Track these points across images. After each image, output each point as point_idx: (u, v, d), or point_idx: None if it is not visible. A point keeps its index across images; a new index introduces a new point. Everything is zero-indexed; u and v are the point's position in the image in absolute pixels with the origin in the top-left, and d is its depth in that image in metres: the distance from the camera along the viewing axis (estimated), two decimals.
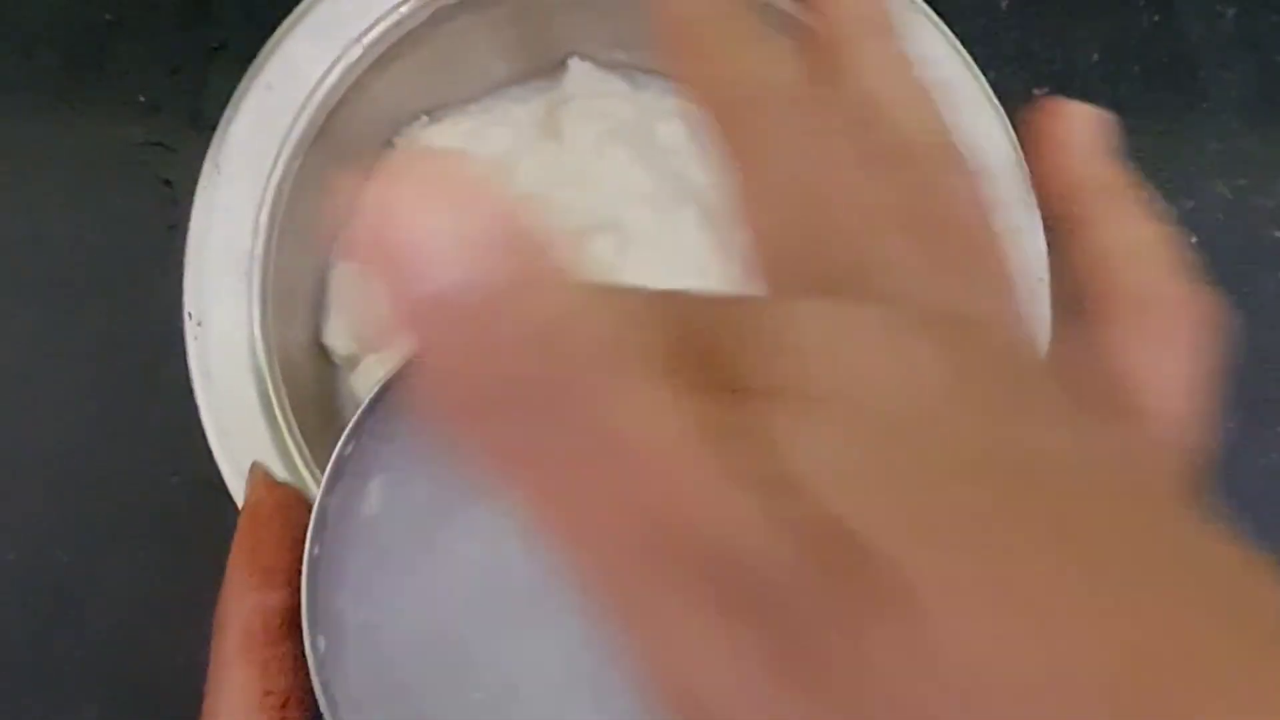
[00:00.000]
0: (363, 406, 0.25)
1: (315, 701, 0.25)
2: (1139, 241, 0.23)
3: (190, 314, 0.34)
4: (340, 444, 0.25)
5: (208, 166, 0.35)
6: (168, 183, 0.44)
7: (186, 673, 0.41)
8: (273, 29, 0.37)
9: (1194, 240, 0.46)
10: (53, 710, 0.42)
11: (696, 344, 0.16)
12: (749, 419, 0.15)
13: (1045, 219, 0.37)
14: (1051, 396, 0.18)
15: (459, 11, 0.39)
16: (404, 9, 0.37)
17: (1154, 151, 0.47)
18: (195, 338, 0.33)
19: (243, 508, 0.28)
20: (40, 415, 0.43)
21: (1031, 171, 0.25)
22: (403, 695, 0.26)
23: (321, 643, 0.25)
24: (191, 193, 0.35)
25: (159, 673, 0.41)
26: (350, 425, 0.25)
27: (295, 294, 0.39)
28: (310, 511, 0.26)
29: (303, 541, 0.26)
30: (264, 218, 0.35)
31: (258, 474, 0.30)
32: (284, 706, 0.26)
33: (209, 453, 0.33)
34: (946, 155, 0.22)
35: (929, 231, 0.20)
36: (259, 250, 0.34)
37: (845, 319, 0.17)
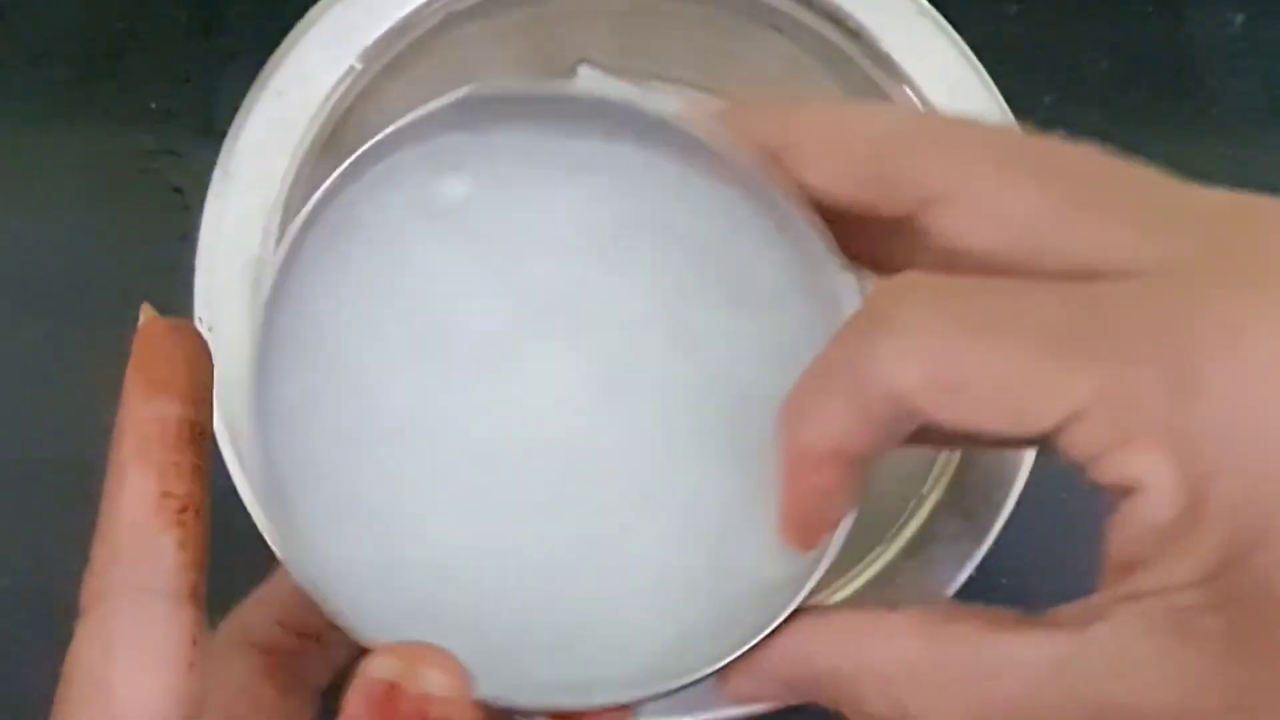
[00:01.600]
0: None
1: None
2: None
3: (201, 319, 0.34)
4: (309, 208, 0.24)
5: (218, 173, 0.35)
6: (179, 190, 0.44)
7: None
8: (284, 38, 0.37)
9: None
10: None
11: None
12: None
13: None
14: None
15: (468, 19, 0.39)
16: (414, 17, 0.37)
17: (1163, 159, 0.47)
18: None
19: (135, 335, 0.27)
20: (51, 425, 0.43)
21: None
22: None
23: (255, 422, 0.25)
24: (203, 201, 0.35)
25: None
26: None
27: None
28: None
29: (196, 361, 0.26)
30: (274, 223, 0.35)
31: (147, 310, 0.29)
32: (183, 511, 0.25)
33: (221, 462, 0.33)
34: None
35: None
36: (270, 256, 0.34)
37: None
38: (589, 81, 0.42)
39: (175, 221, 0.44)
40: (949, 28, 0.38)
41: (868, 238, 0.24)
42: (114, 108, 0.45)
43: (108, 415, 0.42)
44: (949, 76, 0.38)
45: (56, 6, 0.46)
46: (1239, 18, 0.48)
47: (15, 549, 0.42)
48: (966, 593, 0.34)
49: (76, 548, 0.41)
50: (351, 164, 0.24)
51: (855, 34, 0.38)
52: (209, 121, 0.45)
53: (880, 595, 0.34)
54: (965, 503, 0.35)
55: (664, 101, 0.25)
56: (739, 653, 0.23)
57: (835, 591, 0.34)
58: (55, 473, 0.43)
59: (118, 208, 0.45)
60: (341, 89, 0.36)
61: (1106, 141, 0.48)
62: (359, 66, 0.36)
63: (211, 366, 0.28)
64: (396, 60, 0.37)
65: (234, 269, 0.34)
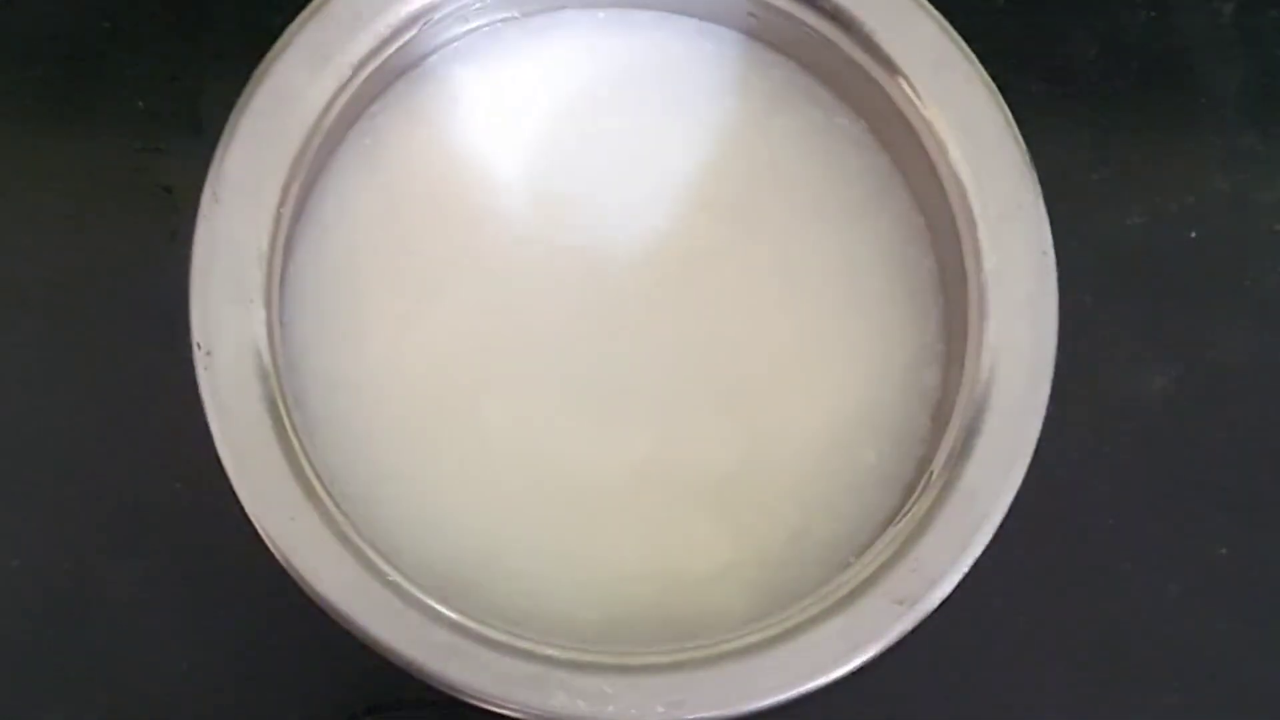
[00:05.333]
0: None
1: None
2: None
3: (199, 344, 0.33)
4: None
5: (206, 196, 0.34)
6: (167, 189, 0.44)
7: (190, 680, 0.41)
8: (271, 37, 0.37)
9: (1193, 235, 0.46)
10: (56, 717, 0.41)
11: None
12: None
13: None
14: None
15: (448, 26, 0.39)
16: (394, 29, 0.37)
17: (1153, 147, 0.47)
18: (205, 368, 0.33)
19: None
20: (42, 423, 0.43)
21: None
22: None
23: None
24: (191, 198, 0.35)
25: (162, 680, 0.41)
26: None
27: None
28: None
29: None
30: (265, 245, 0.34)
31: None
32: None
33: (212, 461, 0.33)
34: None
35: None
36: (263, 278, 0.34)
37: None
38: None
39: (164, 219, 0.43)
40: (939, 15, 0.38)
41: None
42: (101, 107, 0.45)
43: (98, 412, 0.42)
44: (932, 56, 0.38)
45: (41, 6, 0.46)
46: (1228, 7, 0.48)
47: (8, 546, 0.42)
48: (975, 575, 0.34)
49: (68, 545, 0.42)
50: None
51: (835, 16, 0.38)
52: (197, 120, 0.45)
53: (887, 579, 0.34)
54: (971, 486, 0.35)
55: None
56: None
57: (842, 578, 0.34)
58: (45, 473, 0.43)
59: (106, 207, 0.45)
60: (323, 103, 0.36)
61: (1095, 130, 0.48)
62: (342, 81, 0.36)
63: None
64: (378, 71, 0.37)
65: (228, 291, 0.34)
